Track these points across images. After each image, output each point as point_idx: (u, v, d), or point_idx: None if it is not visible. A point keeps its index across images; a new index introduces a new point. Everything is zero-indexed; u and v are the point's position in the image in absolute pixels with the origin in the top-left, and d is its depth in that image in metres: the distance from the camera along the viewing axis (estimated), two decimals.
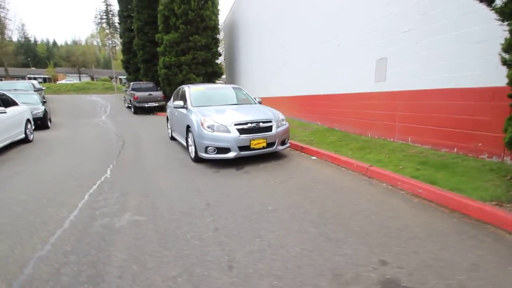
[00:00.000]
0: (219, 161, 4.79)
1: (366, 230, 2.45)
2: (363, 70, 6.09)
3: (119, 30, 39.89)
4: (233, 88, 6.55)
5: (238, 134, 4.47)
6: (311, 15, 7.96)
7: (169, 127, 7.49)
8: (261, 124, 4.66)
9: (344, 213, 2.79)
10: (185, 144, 5.66)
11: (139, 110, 15.46)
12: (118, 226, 2.68)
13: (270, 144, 4.72)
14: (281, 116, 5.11)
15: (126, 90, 18.30)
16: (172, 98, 7.44)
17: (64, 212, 3.04)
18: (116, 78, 36.49)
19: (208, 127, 4.54)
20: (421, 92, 4.74)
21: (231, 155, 4.47)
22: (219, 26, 16.33)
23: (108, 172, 4.55)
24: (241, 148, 4.49)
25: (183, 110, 5.61)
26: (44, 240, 2.47)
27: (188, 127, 5.14)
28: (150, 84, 16.68)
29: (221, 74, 16.82)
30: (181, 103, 5.56)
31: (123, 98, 19.69)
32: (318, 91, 7.92)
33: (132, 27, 19.39)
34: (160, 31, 15.77)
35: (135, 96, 15.06)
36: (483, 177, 3.23)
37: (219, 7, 16.01)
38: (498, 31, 3.61)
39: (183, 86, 6.64)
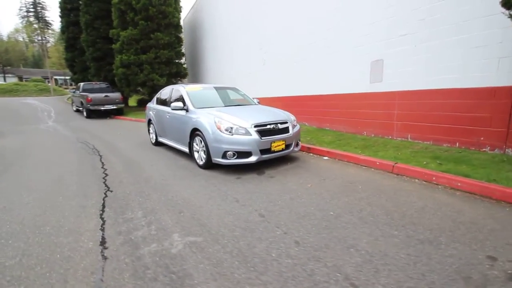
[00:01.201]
0: (236, 167, 4.43)
1: (445, 227, 2.45)
2: (356, 71, 6.31)
3: (51, 24, 35.16)
4: (230, 88, 6.19)
5: (258, 136, 4.17)
6: (292, 18, 8.00)
7: (151, 131, 6.75)
8: (279, 125, 4.45)
9: (409, 212, 2.76)
10: (185, 149, 5.11)
11: (93, 113, 13.76)
12: (177, 252, 2.21)
13: (288, 146, 4.54)
14: (293, 117, 4.96)
15: (74, 92, 16.10)
16: (154, 99, 6.73)
17: (86, 242, 2.41)
18: (51, 78, 31.99)
19: (226, 129, 4.15)
20: (421, 92, 5.08)
21: (252, 159, 4.15)
22: (181, 24, 15.51)
23: (105, 186, 3.84)
24: (263, 151, 4.21)
25: (182, 112, 5.08)
26: (87, 283, 1.89)
27: (194, 130, 4.64)
28: (104, 85, 14.96)
29: (186, 74, 15.96)
30: (179, 104, 5.01)
31: (70, 101, 17.32)
32: (304, 92, 7.99)
33: (78, 21, 17.15)
34: (115, 26, 14.30)
35: (88, 98, 13.33)
36: (503, 168, 3.56)
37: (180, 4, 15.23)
38: (498, 36, 4.05)
39: (173, 86, 6.05)
